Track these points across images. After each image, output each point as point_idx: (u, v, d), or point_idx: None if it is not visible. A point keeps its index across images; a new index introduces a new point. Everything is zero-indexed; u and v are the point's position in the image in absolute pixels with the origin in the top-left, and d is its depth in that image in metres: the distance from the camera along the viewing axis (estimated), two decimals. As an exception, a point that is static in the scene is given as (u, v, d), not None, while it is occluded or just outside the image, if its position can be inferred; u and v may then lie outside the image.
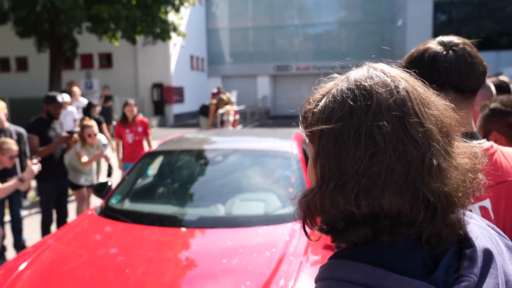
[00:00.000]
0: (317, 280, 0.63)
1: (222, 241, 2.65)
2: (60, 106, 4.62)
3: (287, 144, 3.80)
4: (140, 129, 5.84)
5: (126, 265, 2.38)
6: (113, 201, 3.41)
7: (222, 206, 3.13)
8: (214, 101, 10.96)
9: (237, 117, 11.91)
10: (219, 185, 3.43)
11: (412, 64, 1.12)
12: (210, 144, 4.15)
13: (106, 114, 13.46)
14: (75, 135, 4.59)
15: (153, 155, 3.93)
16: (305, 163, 3.53)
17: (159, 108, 21.45)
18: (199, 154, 3.84)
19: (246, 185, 3.39)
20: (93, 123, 5.08)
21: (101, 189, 3.65)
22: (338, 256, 0.63)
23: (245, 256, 2.43)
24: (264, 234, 2.71)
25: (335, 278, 0.60)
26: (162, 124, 20.82)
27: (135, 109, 5.81)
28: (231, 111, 10.09)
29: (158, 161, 3.98)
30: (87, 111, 8.55)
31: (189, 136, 4.42)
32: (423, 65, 1.11)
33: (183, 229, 2.84)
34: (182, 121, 22.53)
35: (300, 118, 0.68)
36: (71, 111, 7.76)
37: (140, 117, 6.12)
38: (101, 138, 5.26)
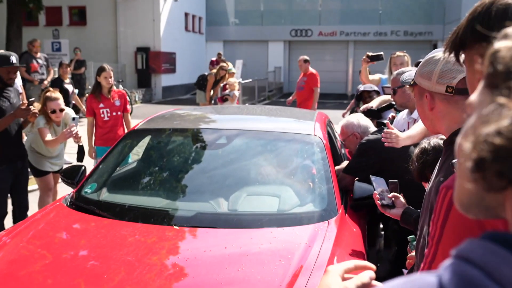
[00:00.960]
0: (461, 257, 0.59)
1: (224, 245, 2.65)
2: (15, 69, 4.56)
3: (309, 125, 3.81)
4: (117, 103, 5.80)
5: (100, 272, 2.39)
6: (87, 191, 3.42)
7: (225, 201, 3.15)
8: (214, 71, 10.95)
9: (239, 92, 11.88)
10: (221, 174, 3.45)
11: (477, 20, 1.17)
12: (211, 123, 4.15)
13: (77, 83, 13.49)
14: (34, 106, 4.48)
15: (138, 134, 3.94)
16: (330, 151, 3.51)
17: (143, 79, 21.47)
18: (196, 135, 3.85)
19: (255, 176, 3.41)
20: (58, 95, 5.02)
21: (72, 175, 3.67)
22: (502, 240, 0.58)
23: (253, 265, 2.44)
24: (277, 238, 2.71)
25: (489, 275, 0.55)
26: (147, 99, 20.86)
27: (111, 77, 5.76)
28: (235, 84, 10.06)
29: (144, 142, 3.97)
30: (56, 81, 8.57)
31: (184, 112, 4.41)
32: (490, 20, 1.15)
33: (175, 227, 2.85)
34: (173, 95, 22.56)
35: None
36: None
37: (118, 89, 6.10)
38: (70, 112, 5.22)
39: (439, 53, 1.67)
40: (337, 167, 3.64)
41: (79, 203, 3.24)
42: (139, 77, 21.49)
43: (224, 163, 3.57)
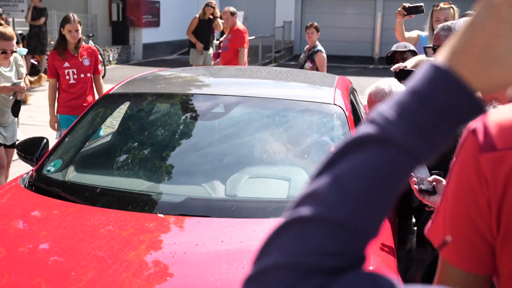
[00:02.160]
0: None
1: (220, 238, 2.66)
2: None
3: (328, 92, 3.82)
4: (86, 62, 5.79)
5: (65, 269, 2.40)
6: (50, 169, 3.43)
7: (221, 184, 3.16)
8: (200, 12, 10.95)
9: None
10: (217, 151, 3.47)
11: None
12: (204, 87, 4.16)
13: (36, 38, 13.41)
14: None
15: (112, 100, 3.95)
16: (354, 125, 3.50)
17: (119, 34, 21.36)
18: (186, 102, 3.86)
19: (259, 154, 3.42)
20: (12, 32, 5.08)
21: (32, 149, 3.68)
22: None
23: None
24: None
25: None
26: (124, 59, 20.80)
27: (79, 30, 5.72)
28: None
29: (121, 110, 3.97)
30: None
31: (170, 74, 4.40)
32: None
33: (159, 215, 2.86)
34: (156, 55, 22.48)
35: None
36: None
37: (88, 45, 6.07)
38: (19, 58, 5.28)
39: None
40: None
41: (39, 184, 3.24)
42: (114, 32, 21.37)
43: (221, 138, 3.59)
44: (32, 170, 3.49)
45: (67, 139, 3.69)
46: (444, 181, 2.45)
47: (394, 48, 5.32)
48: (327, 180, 0.71)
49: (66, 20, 5.71)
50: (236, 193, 3.10)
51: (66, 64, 5.70)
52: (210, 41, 11.25)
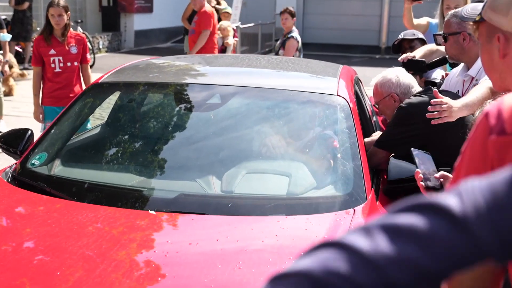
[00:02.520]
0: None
1: (215, 237, 2.67)
2: None
3: (331, 82, 3.82)
4: (74, 50, 5.78)
5: (50, 269, 2.40)
6: (35, 162, 3.43)
7: (217, 179, 3.17)
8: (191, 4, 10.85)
9: (236, 40, 11.84)
10: (212, 145, 3.47)
11: None
12: (200, 76, 4.18)
13: (19, 23, 13.36)
14: None
15: (102, 90, 3.94)
16: (358, 117, 3.50)
17: (110, 21, 21.32)
18: (180, 92, 3.86)
19: (257, 148, 3.42)
20: None
21: (15, 141, 3.68)
22: None
23: (253, 264, 2.46)
24: (285, 230, 2.73)
25: None
26: (115, 47, 20.77)
27: (63, 16, 5.71)
28: (229, 29, 10.02)
29: (111, 100, 3.97)
30: None
31: (163, 62, 4.41)
32: None
33: (151, 212, 2.86)
34: (149, 43, 22.45)
35: None
36: None
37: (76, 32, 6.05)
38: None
39: None
40: (366, 139, 3.63)
41: (23, 179, 3.25)
42: (104, 18, 21.34)
43: (217, 131, 3.59)
44: (15, 163, 3.49)
45: (53, 130, 3.69)
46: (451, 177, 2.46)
47: (401, 36, 5.31)
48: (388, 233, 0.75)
49: (50, 4, 5.71)
50: (233, 189, 3.09)
51: (52, 51, 5.68)
52: None
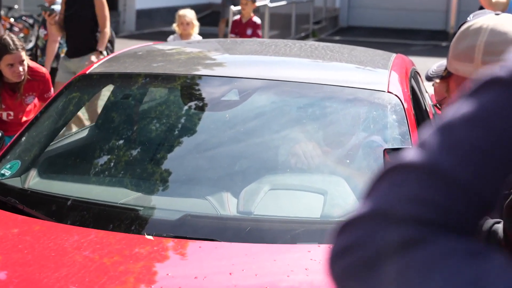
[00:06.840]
0: None
1: (229, 270, 2.68)
2: None
3: (380, 76, 3.83)
4: (30, 100, 5.64)
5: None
6: (5, 173, 3.47)
7: (233, 197, 3.18)
8: None
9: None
10: (228, 153, 3.49)
11: None
12: (215, 66, 4.20)
13: None
14: None
15: (90, 82, 3.97)
16: (415, 119, 3.49)
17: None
18: (190, 87, 3.89)
19: (285, 158, 3.43)
20: None
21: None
22: None
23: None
24: (319, 262, 2.70)
25: None
26: (114, 30, 20.91)
27: (26, 59, 5.18)
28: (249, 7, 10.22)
29: (102, 96, 3.99)
30: None
31: (169, 48, 4.43)
32: None
33: (148, 237, 2.86)
34: (153, 25, 22.62)
35: None
36: None
37: None
38: None
39: (478, 19, 1.79)
40: None
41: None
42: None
43: (234, 135, 3.61)
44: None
45: (28, 133, 3.71)
46: None
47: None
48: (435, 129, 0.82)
49: (4, 50, 5.04)
50: (252, 210, 3.11)
51: (2, 106, 5.31)
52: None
